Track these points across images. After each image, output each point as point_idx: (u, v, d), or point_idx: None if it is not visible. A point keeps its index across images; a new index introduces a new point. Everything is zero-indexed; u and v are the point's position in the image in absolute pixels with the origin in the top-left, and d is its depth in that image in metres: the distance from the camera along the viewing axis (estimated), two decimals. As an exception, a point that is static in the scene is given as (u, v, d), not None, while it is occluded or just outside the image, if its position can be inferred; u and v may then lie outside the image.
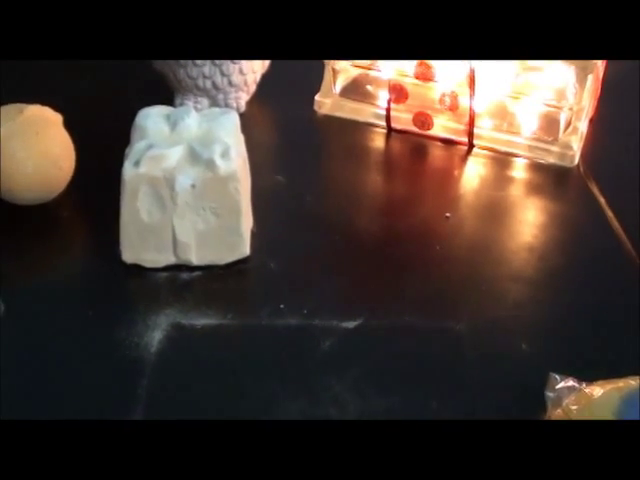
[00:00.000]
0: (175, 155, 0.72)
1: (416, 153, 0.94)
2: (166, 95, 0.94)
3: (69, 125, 0.81)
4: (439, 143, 0.93)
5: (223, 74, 0.93)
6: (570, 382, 0.62)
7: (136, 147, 0.73)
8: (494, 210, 0.85)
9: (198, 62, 0.90)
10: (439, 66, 0.89)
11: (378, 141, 0.95)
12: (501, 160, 0.91)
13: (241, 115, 0.83)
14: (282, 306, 0.73)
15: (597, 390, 0.60)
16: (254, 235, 0.78)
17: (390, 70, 0.92)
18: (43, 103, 0.81)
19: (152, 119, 0.75)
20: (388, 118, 0.95)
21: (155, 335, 0.70)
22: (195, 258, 0.75)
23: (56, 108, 0.81)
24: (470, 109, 0.91)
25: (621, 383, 0.60)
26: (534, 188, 0.88)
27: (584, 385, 0.61)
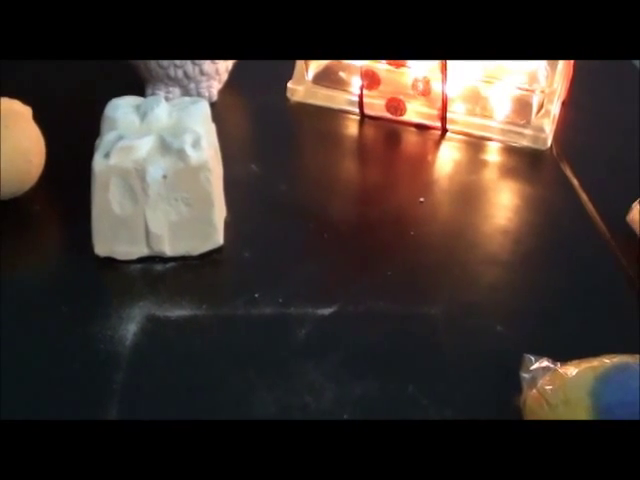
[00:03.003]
0: (145, 146, 0.72)
1: (390, 139, 0.94)
2: (137, 85, 0.94)
3: (39, 118, 0.81)
4: (412, 128, 0.93)
5: (194, 63, 0.92)
6: (545, 363, 0.62)
7: (106, 139, 0.72)
8: (468, 194, 0.85)
9: (168, 52, 0.90)
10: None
11: (351, 128, 0.95)
12: (474, 144, 0.91)
13: (213, 104, 0.83)
14: (257, 295, 0.72)
15: (571, 370, 0.60)
16: (228, 225, 0.77)
17: (361, 56, 0.92)
18: (12, 96, 0.80)
19: (121, 110, 0.75)
20: (361, 104, 0.95)
21: (130, 328, 0.70)
22: (168, 249, 0.75)
23: (25, 101, 0.81)
24: (443, 94, 0.91)
25: (595, 362, 0.60)
26: (508, 171, 0.88)
27: (559, 365, 0.61)
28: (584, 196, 0.83)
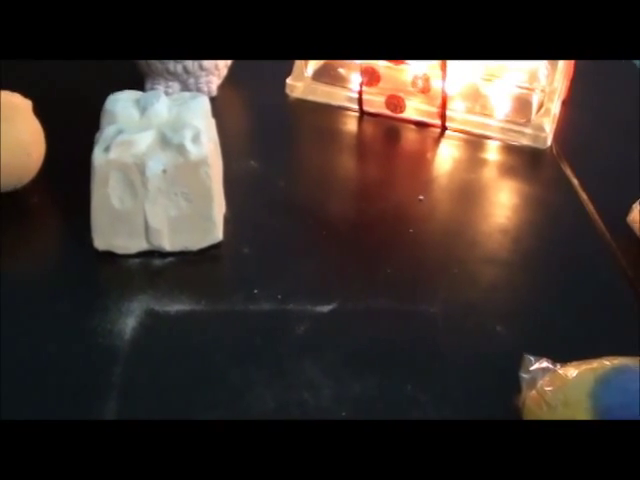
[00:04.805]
0: (145, 140, 0.72)
1: (389, 136, 0.93)
2: (137, 80, 0.93)
3: (39, 111, 0.80)
4: (412, 126, 0.93)
5: (194, 58, 0.92)
6: (544, 363, 0.62)
7: (106, 133, 0.72)
8: (467, 192, 0.85)
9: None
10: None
11: (351, 124, 0.95)
12: (474, 142, 0.91)
13: (213, 99, 0.83)
14: (256, 291, 0.72)
15: (571, 371, 0.60)
16: (227, 220, 0.77)
17: (362, 53, 0.92)
18: (12, 89, 0.80)
19: (121, 104, 0.74)
20: (360, 101, 0.95)
21: (128, 322, 0.69)
22: (167, 244, 0.74)
23: (25, 94, 0.80)
24: (442, 91, 0.91)
25: (595, 364, 0.60)
26: (507, 170, 0.88)
27: (558, 366, 0.61)
28: (584, 196, 0.83)
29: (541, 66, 0.90)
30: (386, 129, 0.93)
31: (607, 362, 0.59)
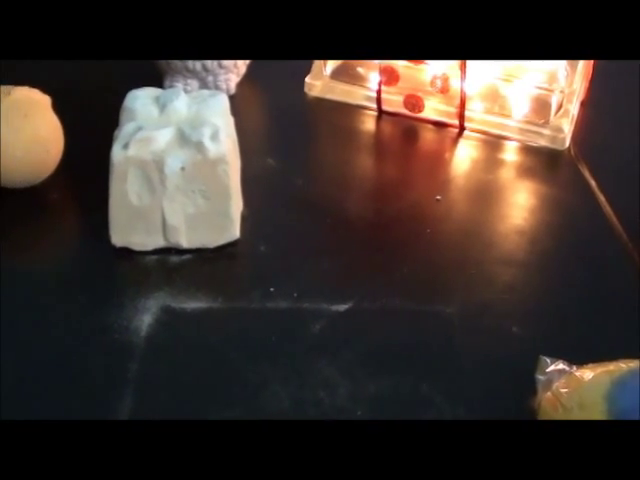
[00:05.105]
0: (164, 137, 0.72)
1: (407, 136, 0.93)
2: (155, 77, 0.93)
3: (58, 107, 0.81)
4: (430, 126, 0.93)
5: (213, 55, 0.92)
6: (560, 365, 0.62)
7: (125, 129, 0.72)
8: (485, 193, 0.84)
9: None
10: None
11: (369, 124, 0.95)
12: (492, 143, 0.91)
13: (231, 97, 0.83)
14: (272, 289, 0.72)
15: (587, 373, 0.60)
16: (244, 218, 0.77)
17: (381, 52, 0.91)
18: (31, 85, 0.80)
19: (141, 101, 0.75)
20: (379, 101, 0.94)
21: (145, 319, 0.70)
22: (185, 241, 0.75)
23: (45, 90, 0.81)
24: (461, 91, 0.90)
25: (612, 366, 0.60)
26: (525, 171, 0.88)
27: (574, 368, 0.61)
28: (601, 197, 0.83)
29: (560, 67, 0.90)
30: (404, 129, 0.93)
31: (623, 364, 0.59)
